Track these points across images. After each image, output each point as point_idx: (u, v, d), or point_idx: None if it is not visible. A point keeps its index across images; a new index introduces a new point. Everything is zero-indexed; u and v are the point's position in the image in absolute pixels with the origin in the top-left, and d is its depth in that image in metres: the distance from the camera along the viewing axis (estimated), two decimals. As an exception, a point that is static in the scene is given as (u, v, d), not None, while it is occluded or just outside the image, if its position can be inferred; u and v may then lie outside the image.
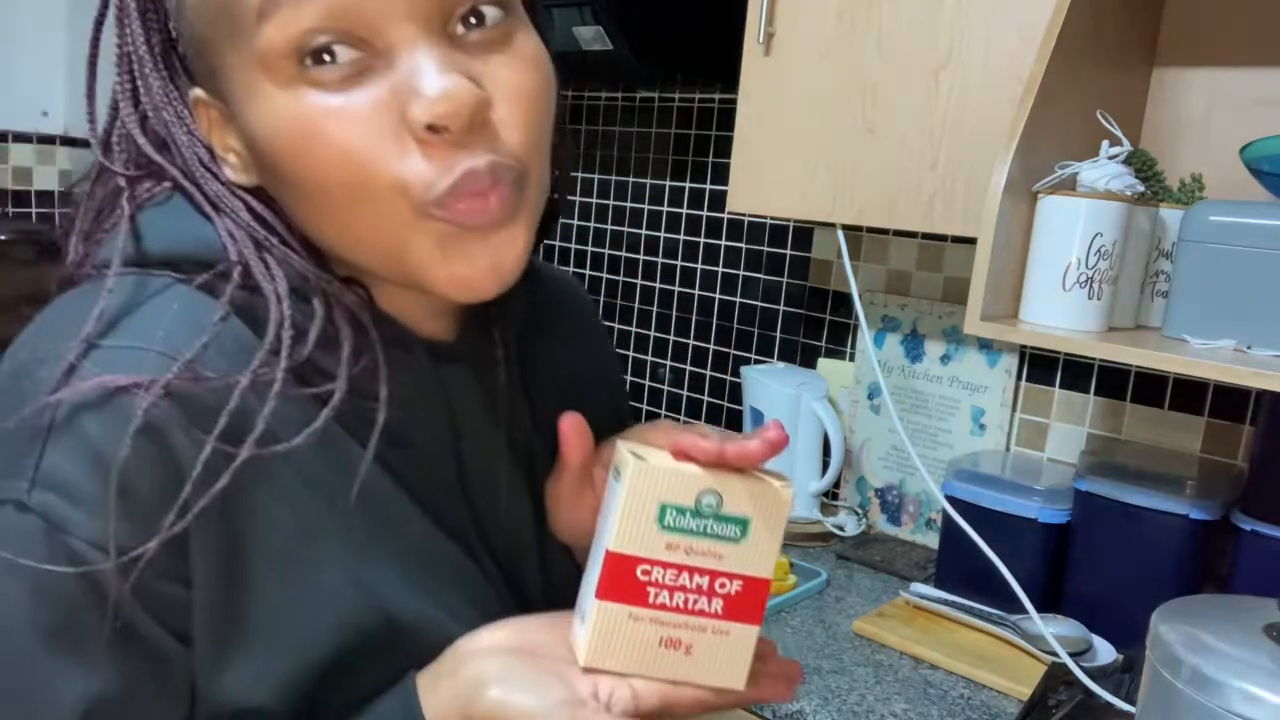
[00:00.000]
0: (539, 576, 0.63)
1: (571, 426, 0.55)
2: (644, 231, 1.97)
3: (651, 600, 0.50)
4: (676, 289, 1.93)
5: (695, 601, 0.51)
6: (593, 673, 0.50)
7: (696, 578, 0.51)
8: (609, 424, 0.61)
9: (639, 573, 0.50)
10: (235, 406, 0.48)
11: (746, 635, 0.52)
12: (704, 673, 0.51)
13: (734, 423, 1.84)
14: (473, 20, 0.49)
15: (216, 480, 0.47)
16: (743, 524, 0.51)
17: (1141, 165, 1.12)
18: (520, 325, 0.65)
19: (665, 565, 0.50)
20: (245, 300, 0.52)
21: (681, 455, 0.51)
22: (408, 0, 0.47)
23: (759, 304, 1.80)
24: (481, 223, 0.49)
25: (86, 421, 0.47)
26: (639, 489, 0.50)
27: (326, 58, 0.47)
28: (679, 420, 1.92)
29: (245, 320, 0.52)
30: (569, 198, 2.09)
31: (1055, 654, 1.10)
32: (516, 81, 0.50)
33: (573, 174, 2.08)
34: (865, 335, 1.49)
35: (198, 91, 0.53)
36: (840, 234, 1.40)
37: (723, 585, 0.51)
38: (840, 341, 1.71)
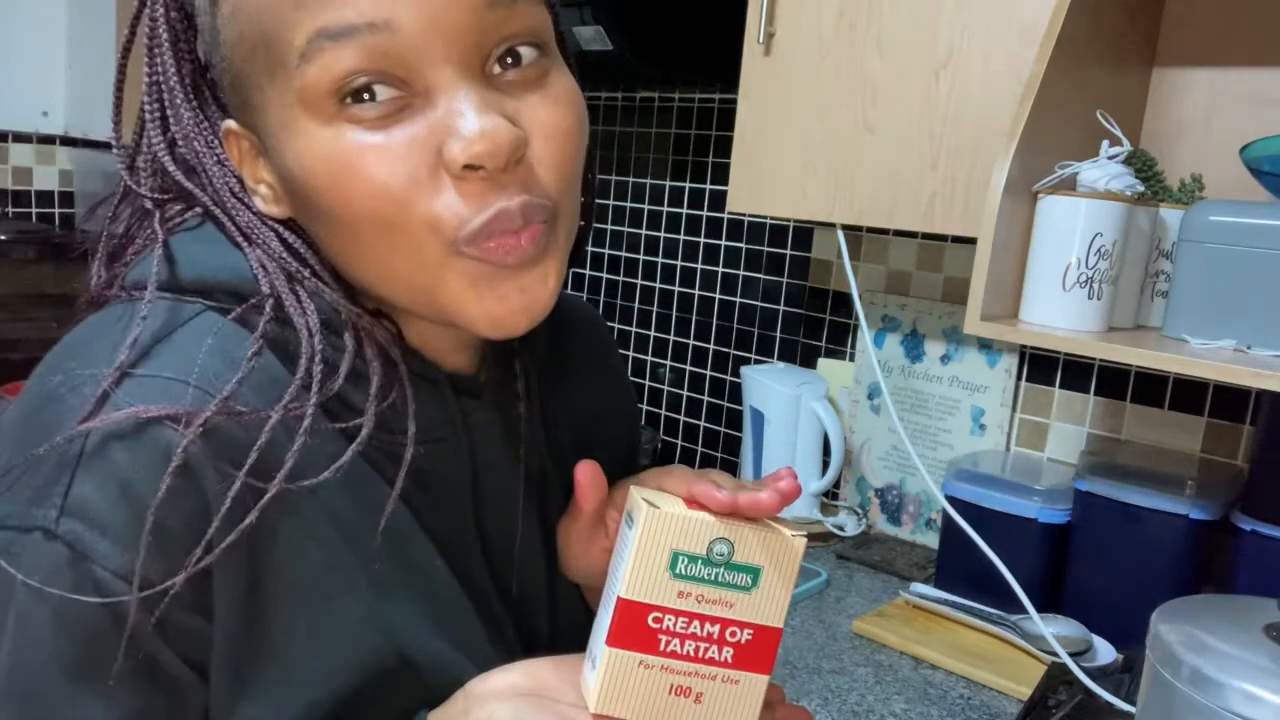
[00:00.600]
0: (548, 617, 0.63)
1: (587, 475, 0.54)
2: (644, 231, 1.97)
3: (662, 648, 0.50)
4: (676, 289, 1.93)
5: (706, 650, 0.51)
6: (602, 719, 0.50)
7: (708, 626, 0.51)
8: (624, 461, 0.61)
9: (650, 620, 0.50)
10: (265, 441, 0.48)
11: (756, 685, 0.52)
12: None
13: (734, 423, 1.84)
14: (509, 60, 0.50)
15: (244, 516, 0.48)
16: (754, 573, 0.51)
17: (1141, 165, 1.12)
18: (542, 359, 0.65)
19: (677, 613, 0.50)
20: (276, 333, 0.52)
21: (694, 504, 0.51)
22: (447, 43, 0.48)
23: (759, 304, 1.80)
24: (513, 261, 0.49)
25: (117, 452, 0.47)
26: (652, 536, 0.49)
27: (366, 96, 0.48)
28: (692, 455, 1.93)
29: (276, 353, 0.52)
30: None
31: (1055, 654, 1.10)
32: (552, 121, 0.51)
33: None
34: (865, 335, 1.49)
35: (230, 123, 0.53)
36: (840, 234, 1.40)
37: (734, 634, 0.51)
38: (840, 341, 1.71)
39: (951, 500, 1.30)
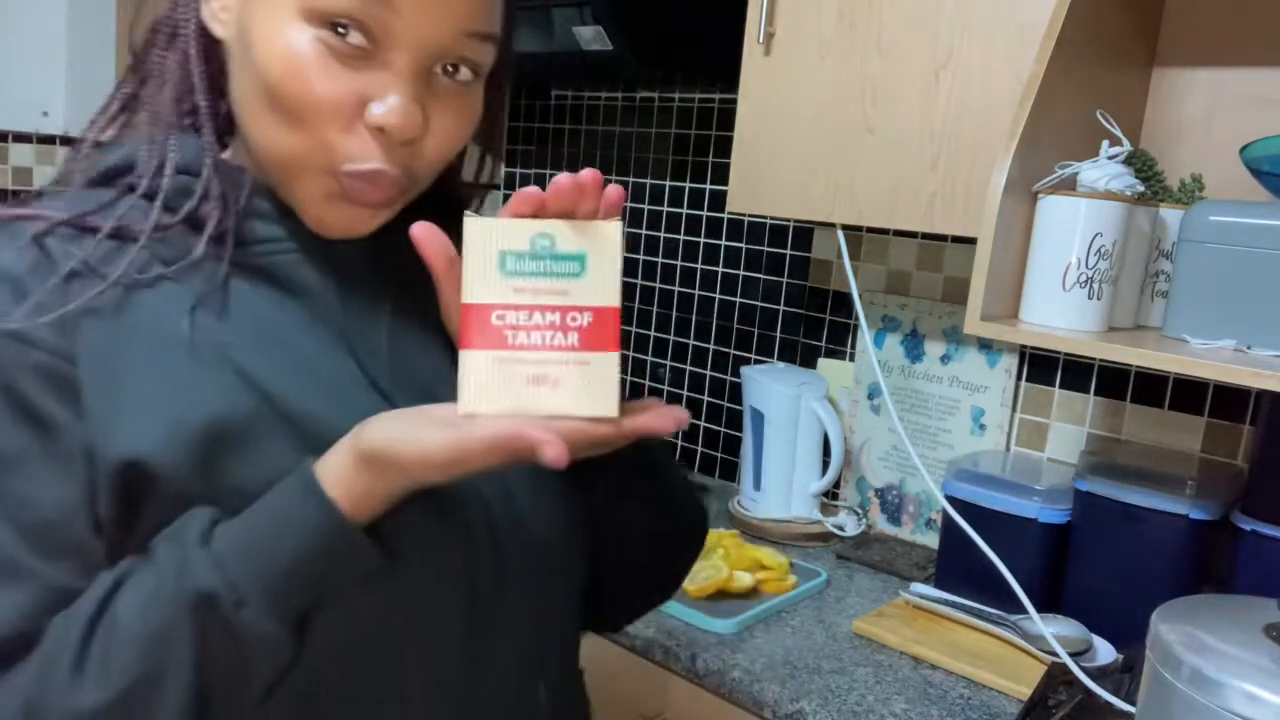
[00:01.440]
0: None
1: (423, 230, 0.59)
2: (644, 231, 1.97)
3: (511, 341, 0.55)
4: (676, 289, 1.93)
5: (552, 337, 0.55)
6: (472, 417, 0.54)
7: (548, 315, 0.55)
8: None
9: (494, 318, 0.55)
10: (115, 225, 0.62)
11: (607, 362, 0.55)
12: (575, 403, 0.54)
13: (734, 423, 1.85)
14: (450, 69, 0.63)
15: (97, 283, 0.60)
16: (580, 259, 0.55)
17: (1141, 165, 1.12)
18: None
19: (516, 308, 0.55)
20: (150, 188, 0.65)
21: (512, 213, 0.57)
22: (420, 43, 0.61)
23: (759, 304, 1.80)
24: (360, 201, 0.63)
25: None
26: (478, 242, 0.55)
27: (341, 30, 0.60)
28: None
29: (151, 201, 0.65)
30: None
31: (1055, 654, 1.10)
32: (447, 130, 0.64)
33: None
34: (865, 335, 1.49)
35: None
36: (840, 234, 1.40)
37: (574, 319, 0.55)
38: (840, 341, 1.71)
39: (951, 500, 1.30)
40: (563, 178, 0.55)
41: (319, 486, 0.56)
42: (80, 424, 0.58)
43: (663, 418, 0.56)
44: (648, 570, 0.82)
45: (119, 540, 0.59)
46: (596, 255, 0.55)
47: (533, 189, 0.56)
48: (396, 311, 0.70)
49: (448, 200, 0.73)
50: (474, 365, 0.54)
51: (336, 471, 0.57)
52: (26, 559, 0.57)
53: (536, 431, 0.51)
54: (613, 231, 0.56)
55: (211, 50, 0.67)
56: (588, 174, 0.56)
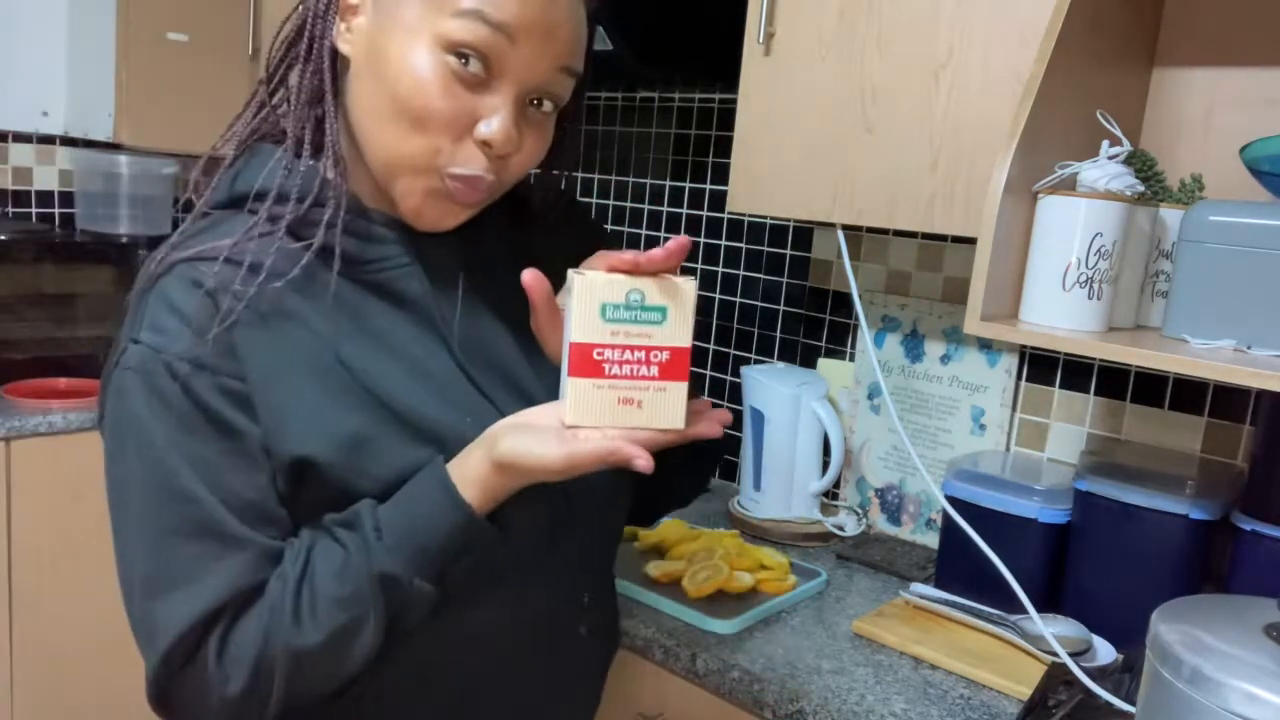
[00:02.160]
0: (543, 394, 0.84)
1: (529, 277, 0.74)
2: (644, 231, 1.97)
3: (607, 373, 0.71)
4: (676, 289, 1.92)
5: (638, 370, 0.71)
6: (574, 429, 0.71)
7: (636, 353, 0.71)
8: None
9: (595, 354, 0.71)
10: (253, 261, 0.75)
11: (679, 389, 0.72)
12: (652, 419, 0.72)
13: (734, 423, 1.84)
14: (537, 102, 0.79)
15: (247, 315, 0.75)
16: (662, 311, 0.71)
17: (1141, 165, 1.12)
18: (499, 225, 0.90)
19: (612, 347, 0.71)
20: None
21: (611, 269, 0.71)
22: (527, 74, 0.76)
23: (759, 304, 1.80)
24: (456, 200, 0.78)
25: (167, 284, 0.76)
26: (585, 294, 0.70)
27: (464, 59, 0.74)
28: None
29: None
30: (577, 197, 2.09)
31: (1055, 654, 1.10)
32: (533, 151, 0.81)
33: (573, 173, 2.08)
34: (865, 335, 1.49)
35: None
36: (840, 234, 1.40)
37: (655, 356, 0.71)
38: (840, 341, 1.71)
39: (951, 500, 1.30)
40: (657, 251, 0.70)
41: (457, 493, 0.74)
42: (256, 428, 0.74)
43: (712, 424, 0.74)
44: (676, 496, 1.06)
45: (290, 511, 0.77)
46: (675, 307, 0.71)
47: (630, 254, 0.71)
48: (468, 302, 0.85)
49: (515, 203, 0.89)
50: (578, 389, 0.71)
51: (474, 474, 0.74)
52: (244, 531, 0.74)
53: (631, 449, 0.68)
54: (689, 288, 0.72)
55: (333, 67, 0.79)
56: (676, 244, 0.70)
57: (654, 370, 0.71)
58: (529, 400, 0.82)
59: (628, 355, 0.71)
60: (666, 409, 0.72)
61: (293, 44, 0.81)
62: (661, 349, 0.71)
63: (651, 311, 0.71)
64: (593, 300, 0.70)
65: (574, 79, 0.80)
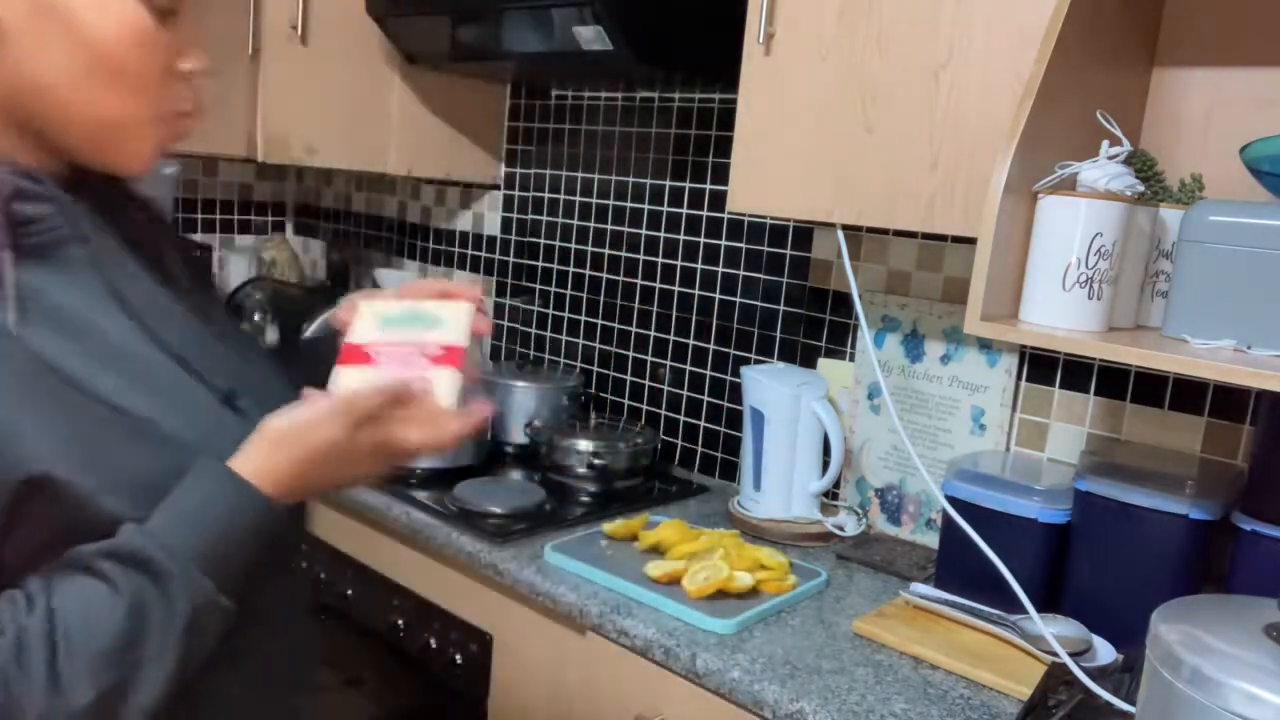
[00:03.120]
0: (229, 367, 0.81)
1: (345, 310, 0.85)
2: (644, 231, 1.97)
3: (376, 361, 0.80)
4: (676, 289, 1.93)
5: (410, 360, 0.80)
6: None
7: (408, 349, 0.80)
8: None
9: (366, 350, 0.81)
10: None
11: (451, 375, 0.79)
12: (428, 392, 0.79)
13: (734, 423, 1.85)
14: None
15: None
16: (438, 318, 0.82)
17: (1141, 165, 1.12)
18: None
19: (385, 344, 0.81)
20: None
21: (405, 295, 0.84)
22: None
23: (759, 304, 1.80)
24: (180, 136, 0.75)
25: None
26: (366, 314, 0.83)
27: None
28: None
29: None
30: (562, 196, 2.10)
31: (1055, 654, 1.10)
32: None
33: (572, 173, 2.08)
34: (865, 335, 1.49)
35: None
36: (840, 234, 1.40)
37: (428, 350, 0.80)
38: (840, 341, 1.71)
39: (951, 500, 1.30)
40: (439, 285, 0.86)
41: (247, 484, 0.69)
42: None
43: (475, 419, 0.78)
44: None
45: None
46: (451, 317, 0.83)
47: (424, 282, 0.87)
48: (133, 264, 0.77)
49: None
50: (345, 375, 0.79)
51: (254, 463, 0.70)
52: None
53: (418, 385, 0.75)
54: (465, 301, 0.84)
55: None
56: (469, 290, 0.84)
57: (426, 361, 0.80)
58: (221, 356, 0.79)
59: (399, 350, 0.81)
60: (440, 391, 0.78)
61: None
62: (434, 344, 0.81)
63: (426, 317, 0.83)
64: (374, 315, 0.84)
65: None
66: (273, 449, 0.70)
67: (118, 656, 0.63)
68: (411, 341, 0.80)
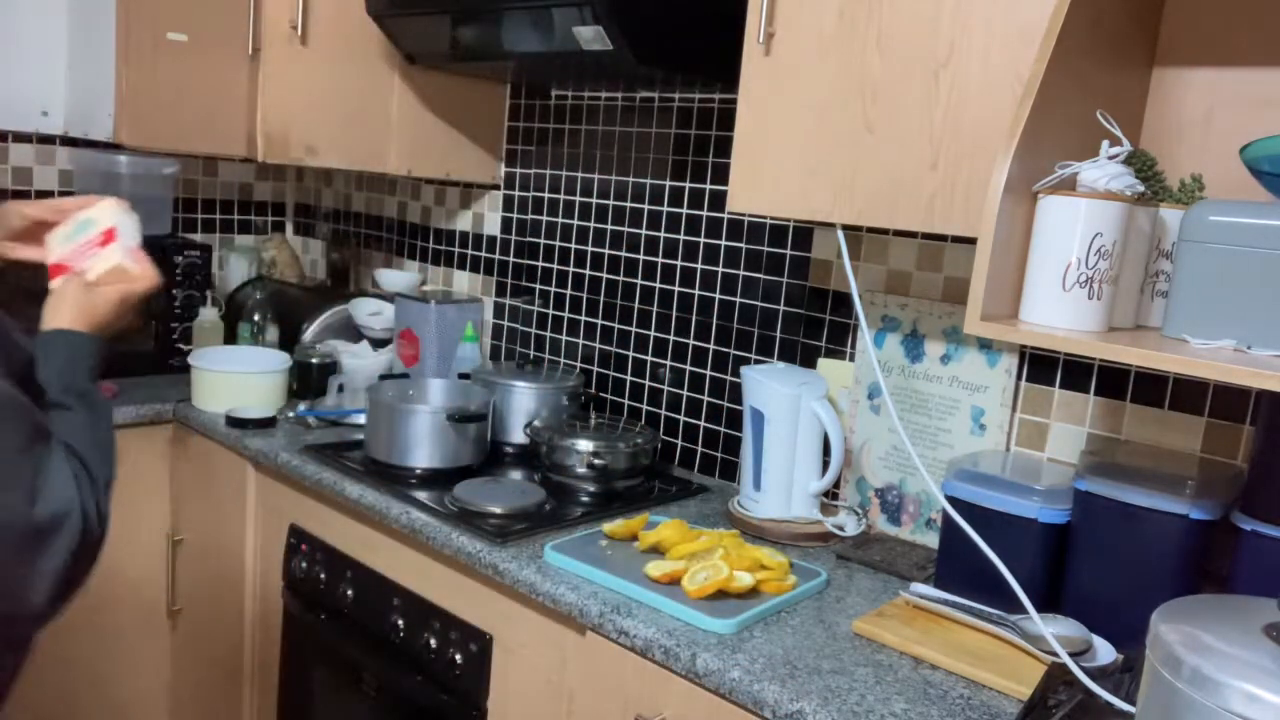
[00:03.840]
0: None
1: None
2: (644, 231, 1.97)
3: (73, 268, 1.15)
4: (676, 289, 1.93)
5: (85, 253, 1.15)
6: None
7: (82, 247, 1.16)
8: None
9: (61, 264, 1.16)
10: None
11: (115, 245, 1.15)
12: (105, 263, 1.14)
13: (734, 423, 1.85)
14: None
15: None
16: (93, 221, 1.17)
17: (1141, 165, 1.12)
18: None
19: (72, 252, 1.16)
20: None
21: (29, 215, 1.19)
22: None
23: (759, 304, 1.80)
24: None
25: None
26: (51, 243, 1.18)
27: None
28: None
29: None
30: (563, 197, 2.09)
31: (1055, 654, 1.10)
32: None
33: (572, 173, 2.08)
34: (865, 335, 1.49)
35: None
36: (840, 234, 1.40)
37: (94, 240, 1.15)
38: (840, 341, 1.71)
39: (951, 500, 1.30)
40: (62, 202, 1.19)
41: (77, 332, 1.07)
42: None
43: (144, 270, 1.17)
44: None
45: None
46: (98, 214, 1.17)
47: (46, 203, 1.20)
48: None
49: None
50: (56, 282, 1.14)
51: (63, 319, 1.08)
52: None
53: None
54: (108, 202, 1.18)
55: None
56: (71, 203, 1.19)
57: (98, 249, 1.15)
58: None
59: (79, 251, 1.15)
60: (103, 263, 1.14)
61: None
62: (98, 235, 1.15)
63: (86, 225, 1.16)
64: (54, 241, 1.17)
65: None
66: (60, 306, 1.08)
67: (107, 449, 1.02)
68: (83, 242, 1.16)
